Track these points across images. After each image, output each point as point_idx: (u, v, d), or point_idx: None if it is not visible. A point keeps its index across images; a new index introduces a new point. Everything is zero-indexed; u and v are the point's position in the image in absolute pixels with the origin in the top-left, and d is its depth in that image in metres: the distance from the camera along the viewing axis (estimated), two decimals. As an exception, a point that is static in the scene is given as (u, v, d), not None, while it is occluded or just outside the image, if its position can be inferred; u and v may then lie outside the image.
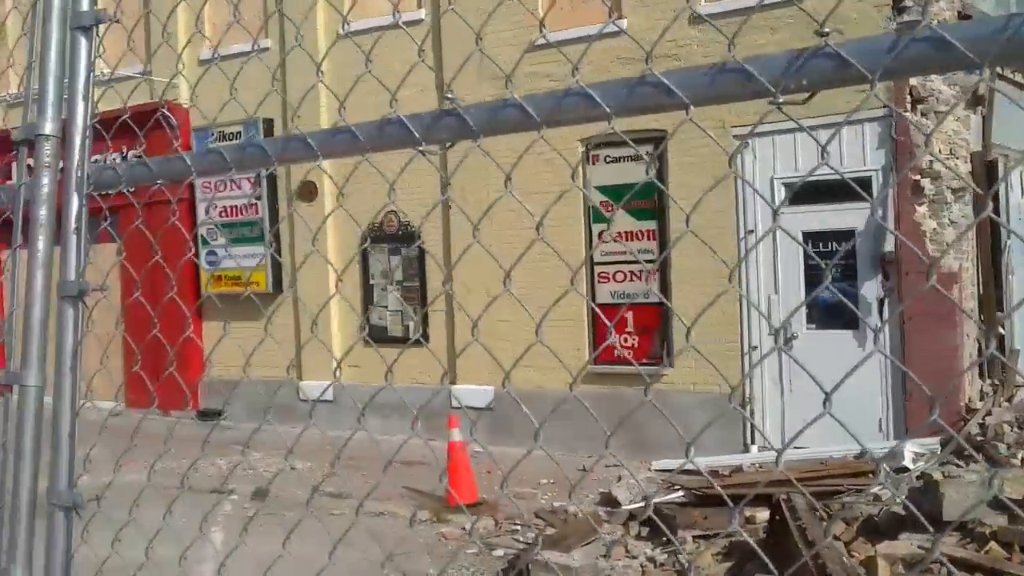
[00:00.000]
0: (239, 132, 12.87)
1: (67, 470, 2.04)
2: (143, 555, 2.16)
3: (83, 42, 2.11)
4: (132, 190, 2.13)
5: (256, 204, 13.11)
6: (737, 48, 1.46)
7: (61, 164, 2.21)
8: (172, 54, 11.70)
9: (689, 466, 9.17)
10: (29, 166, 2.27)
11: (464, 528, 8.13)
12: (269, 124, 12.95)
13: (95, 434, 2.85)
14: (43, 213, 2.16)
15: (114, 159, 14.41)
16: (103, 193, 2.14)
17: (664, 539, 7.23)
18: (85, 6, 2.11)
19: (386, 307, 12.50)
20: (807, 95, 1.41)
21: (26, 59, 2.29)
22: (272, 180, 13.00)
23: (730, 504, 1.53)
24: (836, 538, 6.73)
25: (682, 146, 10.00)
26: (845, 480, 8.09)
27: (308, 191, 12.87)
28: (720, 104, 1.48)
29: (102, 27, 2.10)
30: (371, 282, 12.60)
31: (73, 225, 2.09)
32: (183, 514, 2.20)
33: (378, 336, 12.26)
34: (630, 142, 1.86)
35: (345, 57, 9.92)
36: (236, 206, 13.31)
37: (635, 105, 1.50)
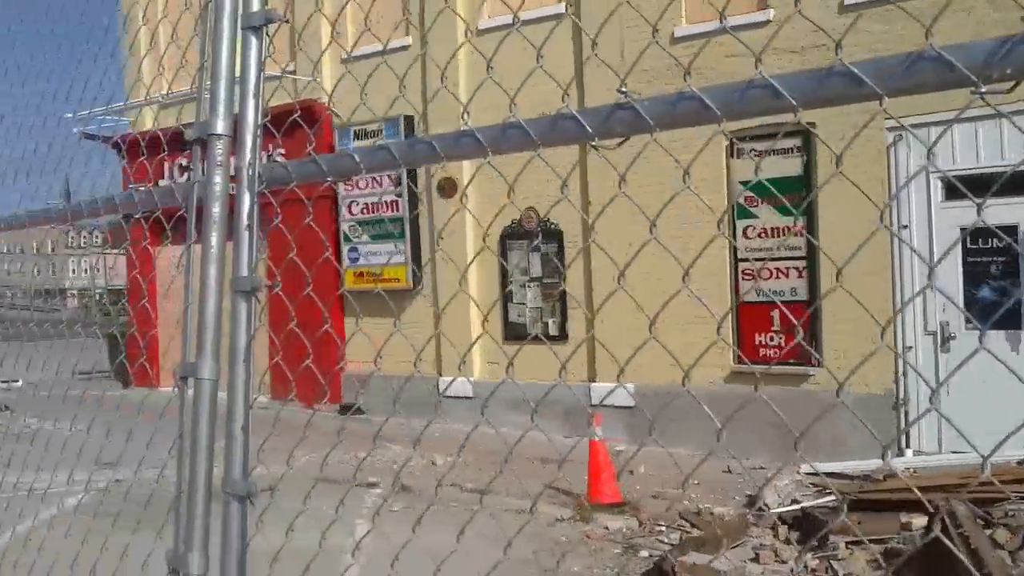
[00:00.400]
0: (379, 130, 13.14)
1: (241, 460, 2.10)
2: (314, 544, 2.21)
3: (253, 41, 2.18)
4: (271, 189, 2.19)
5: (397, 201, 13.35)
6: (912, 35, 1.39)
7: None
8: (315, 53, 12.04)
9: (842, 469, 8.95)
10: (181, 165, 2.35)
11: (607, 528, 8.10)
12: (409, 121, 13.17)
13: (261, 425, 2.95)
14: (216, 210, 2.23)
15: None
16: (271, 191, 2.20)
17: (815, 544, 7.04)
18: (256, 6, 2.17)
19: (525, 304, 12.57)
20: (1012, 84, 1.33)
21: (198, 60, 2.37)
22: (412, 176, 13.21)
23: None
24: (1000, 547, 6.44)
25: (831, 139, 9.73)
26: (1009, 486, 7.73)
27: (448, 187, 13.03)
28: (916, 94, 1.41)
29: (271, 27, 2.16)
30: (510, 279, 12.69)
31: (245, 222, 2.16)
32: (330, 505, 2.24)
33: (517, 333, 12.34)
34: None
35: (487, 52, 9.99)
36: (377, 203, 13.58)
37: (823, 97, 1.44)
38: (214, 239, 2.22)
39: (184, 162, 15.27)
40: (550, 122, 1.66)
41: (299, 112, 3.23)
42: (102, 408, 4.96)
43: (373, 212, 13.63)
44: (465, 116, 2.01)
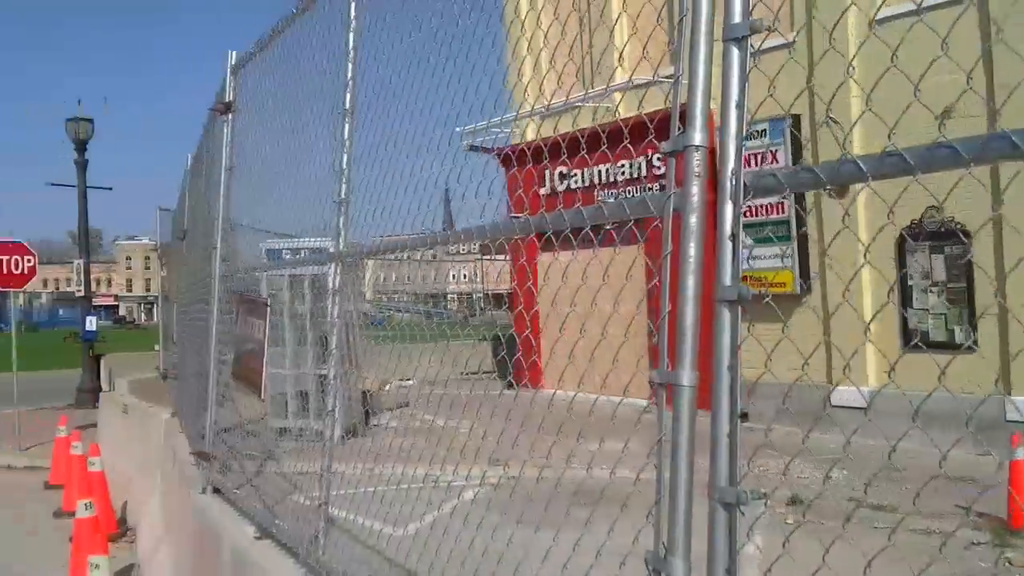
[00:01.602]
0: (764, 130, 12.98)
1: (727, 467, 2.17)
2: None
3: (736, 52, 2.24)
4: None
5: (783, 202, 13.12)
6: None
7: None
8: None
9: None
10: (562, 173, 2.44)
11: (1034, 557, 7.49)
12: (796, 120, 12.90)
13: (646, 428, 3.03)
14: (693, 221, 2.32)
15: (617, 167, 15.31)
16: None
17: None
18: (738, 18, 2.23)
19: (926, 309, 11.89)
20: None
21: (674, 73, 2.47)
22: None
23: None
24: None
25: None
26: None
27: (839, 186, 12.59)
28: None
29: (754, 37, 2.21)
30: (909, 283, 12.05)
31: (729, 231, 2.22)
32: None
33: (917, 340, 11.71)
34: None
35: (879, 45, 9.57)
36: (762, 205, 13.41)
37: None
38: (692, 249, 2.31)
39: (563, 170, 15.92)
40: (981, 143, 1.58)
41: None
42: (488, 407, 5.30)
43: (756, 215, 13.48)
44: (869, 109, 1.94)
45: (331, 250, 7.73)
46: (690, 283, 2.30)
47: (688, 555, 2.26)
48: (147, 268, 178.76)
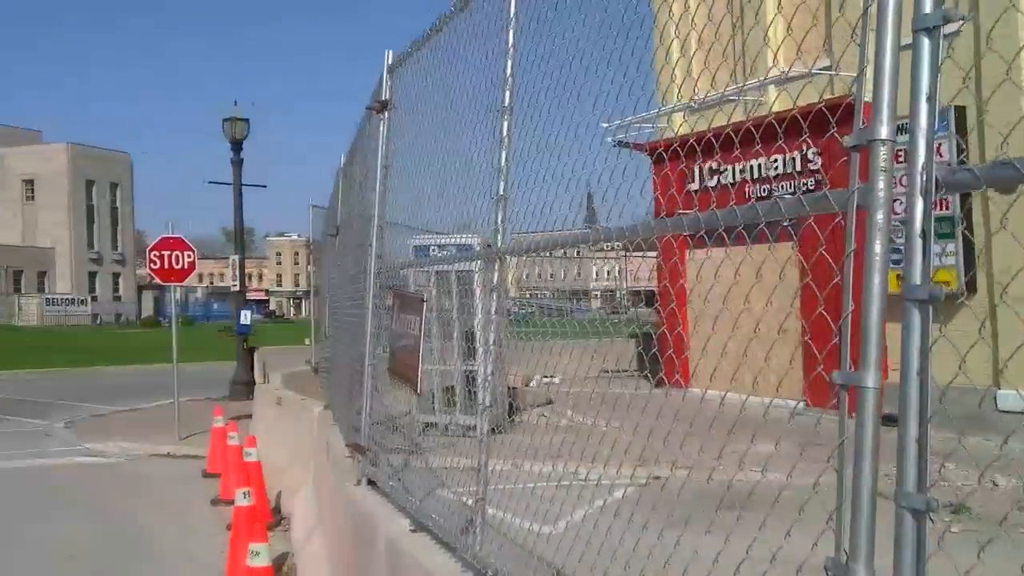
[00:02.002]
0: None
1: (916, 473, 2.11)
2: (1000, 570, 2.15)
3: (926, 43, 2.17)
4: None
5: (947, 198, 12.63)
6: None
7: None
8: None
9: None
10: (711, 168, 2.38)
11: None
12: (961, 112, 12.39)
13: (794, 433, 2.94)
14: (879, 217, 2.26)
15: (774, 161, 14.97)
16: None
17: None
18: (929, 7, 2.16)
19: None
20: None
21: (857, 66, 2.41)
22: (961, 170, 12.40)
23: None
24: None
25: None
26: None
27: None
28: None
29: (949, 27, 2.14)
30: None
31: (919, 228, 2.16)
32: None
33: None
34: None
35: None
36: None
37: None
38: (878, 247, 2.25)
39: (714, 165, 15.72)
40: None
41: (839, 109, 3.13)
42: (635, 406, 5.27)
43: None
44: None
45: (476, 247, 7.86)
46: (876, 281, 2.24)
47: (872, 562, 2.21)
48: (296, 263, 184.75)
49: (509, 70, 4.63)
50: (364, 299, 7.49)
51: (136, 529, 11.96)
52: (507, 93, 4.64)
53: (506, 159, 4.65)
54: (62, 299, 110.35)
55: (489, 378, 4.72)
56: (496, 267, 4.77)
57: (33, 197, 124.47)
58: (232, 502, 12.32)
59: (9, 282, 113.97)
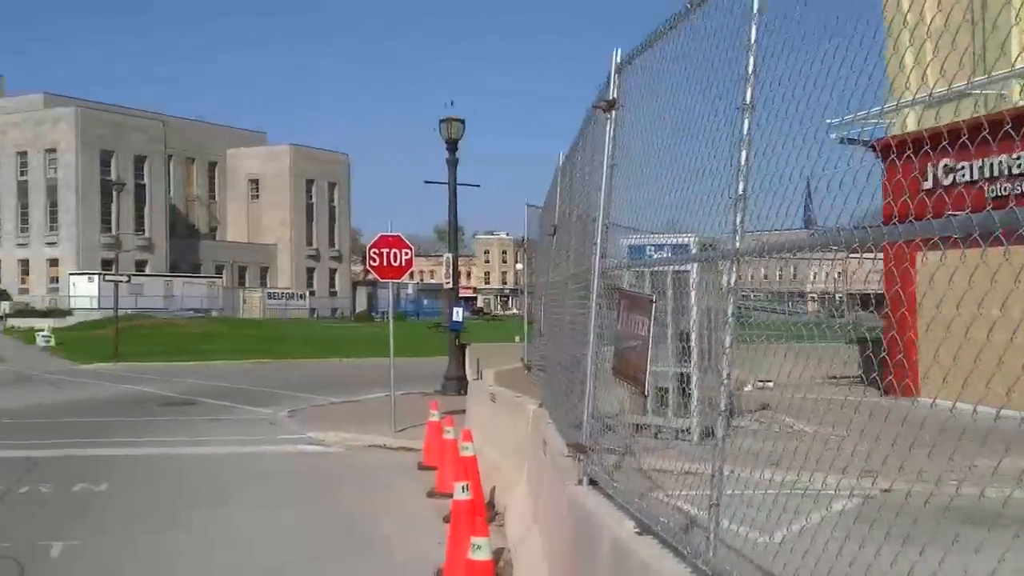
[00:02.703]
0: None
1: None
2: None
3: None
4: None
5: None
6: None
7: None
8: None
9: None
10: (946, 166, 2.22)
11: None
12: None
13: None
14: None
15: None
16: None
17: None
18: None
19: None
20: None
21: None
22: None
23: None
24: None
25: None
26: None
27: None
28: None
29: None
30: None
31: None
32: None
33: None
34: None
35: None
36: None
37: None
38: None
39: (949, 163, 14.96)
40: None
41: None
42: (858, 414, 5.04)
43: None
44: None
45: (692, 247, 7.79)
46: None
47: None
48: (503, 261, 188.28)
49: (751, 66, 4.56)
50: (587, 298, 7.54)
51: (355, 516, 12.48)
52: (748, 90, 4.57)
53: (746, 158, 4.58)
54: (282, 294, 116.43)
55: (726, 382, 4.66)
56: (734, 268, 4.70)
57: (258, 196, 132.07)
58: (448, 495, 12.66)
59: (235, 277, 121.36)
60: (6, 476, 14.67)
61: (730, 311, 4.65)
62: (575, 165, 9.89)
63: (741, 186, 4.58)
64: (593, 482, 7.16)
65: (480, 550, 7.56)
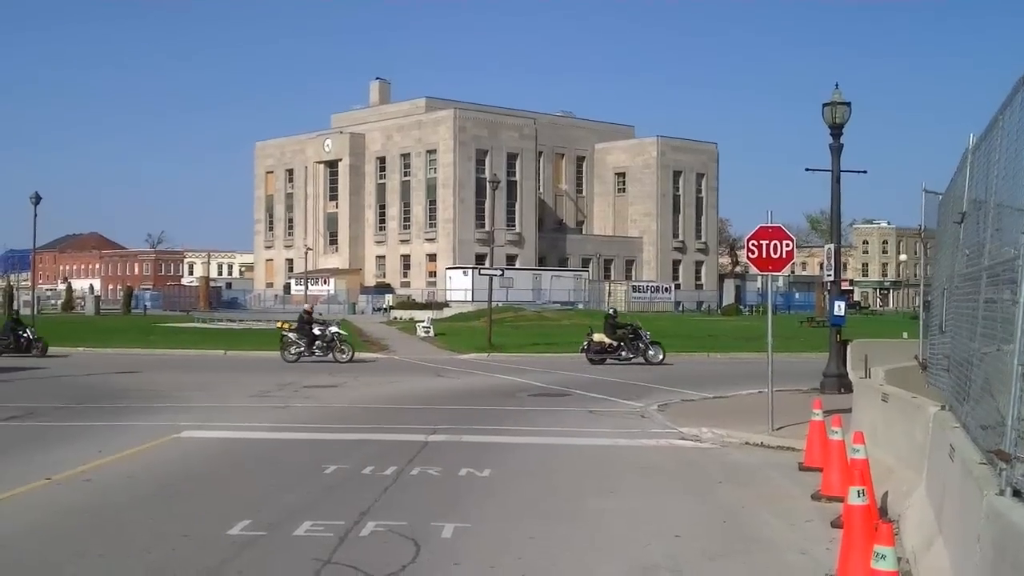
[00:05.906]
0: None
1: None
2: None
3: None
4: None
5: None
6: None
7: None
8: None
9: None
10: None
11: None
12: None
13: None
14: None
15: None
16: None
17: None
18: None
19: None
20: None
21: None
22: None
23: None
24: None
25: None
26: None
27: None
28: None
29: None
30: None
31: None
32: None
33: None
34: None
35: None
36: None
37: None
38: None
39: None
40: None
41: None
42: None
43: None
44: None
45: None
46: None
47: None
48: (884, 252, 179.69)
49: None
50: (1015, 292, 6.98)
51: (739, 515, 12.37)
52: None
53: None
54: (647, 287, 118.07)
55: None
56: None
57: (624, 189, 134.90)
58: (834, 498, 12.24)
59: (600, 270, 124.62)
60: (399, 458, 15.90)
61: None
62: (992, 146, 9.16)
63: None
64: (1017, 492, 6.66)
65: (884, 560, 7.23)
